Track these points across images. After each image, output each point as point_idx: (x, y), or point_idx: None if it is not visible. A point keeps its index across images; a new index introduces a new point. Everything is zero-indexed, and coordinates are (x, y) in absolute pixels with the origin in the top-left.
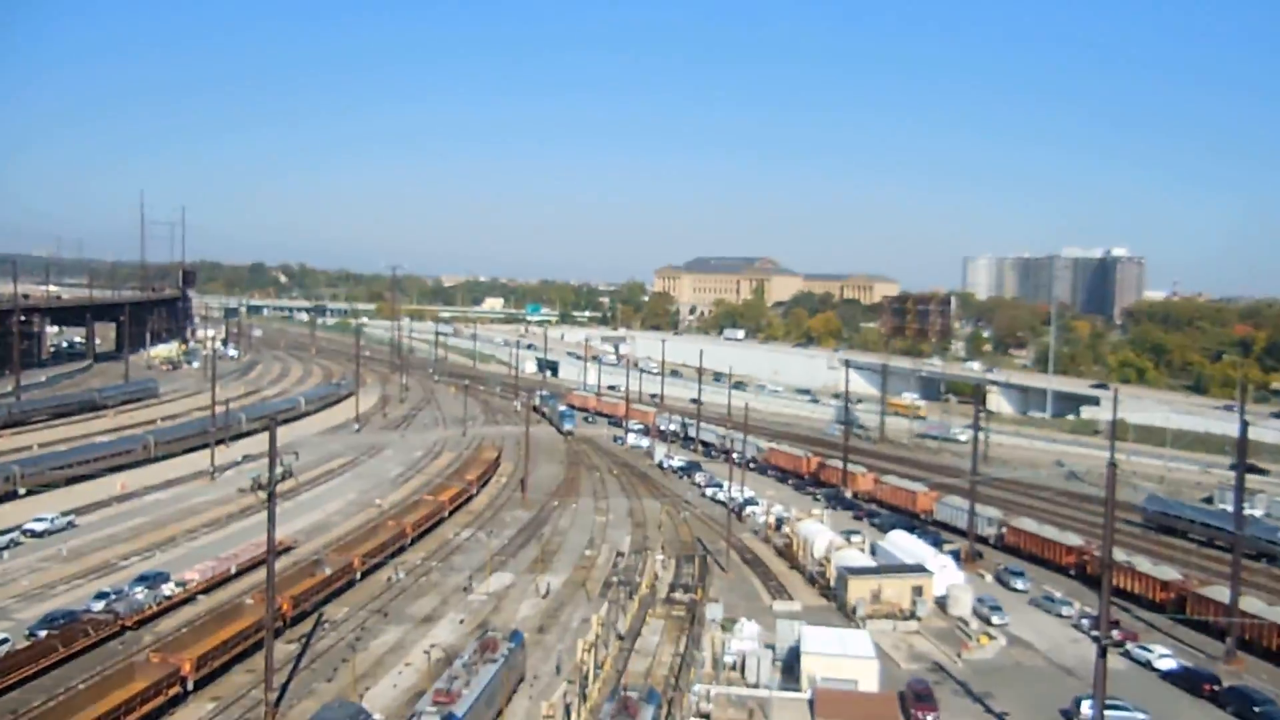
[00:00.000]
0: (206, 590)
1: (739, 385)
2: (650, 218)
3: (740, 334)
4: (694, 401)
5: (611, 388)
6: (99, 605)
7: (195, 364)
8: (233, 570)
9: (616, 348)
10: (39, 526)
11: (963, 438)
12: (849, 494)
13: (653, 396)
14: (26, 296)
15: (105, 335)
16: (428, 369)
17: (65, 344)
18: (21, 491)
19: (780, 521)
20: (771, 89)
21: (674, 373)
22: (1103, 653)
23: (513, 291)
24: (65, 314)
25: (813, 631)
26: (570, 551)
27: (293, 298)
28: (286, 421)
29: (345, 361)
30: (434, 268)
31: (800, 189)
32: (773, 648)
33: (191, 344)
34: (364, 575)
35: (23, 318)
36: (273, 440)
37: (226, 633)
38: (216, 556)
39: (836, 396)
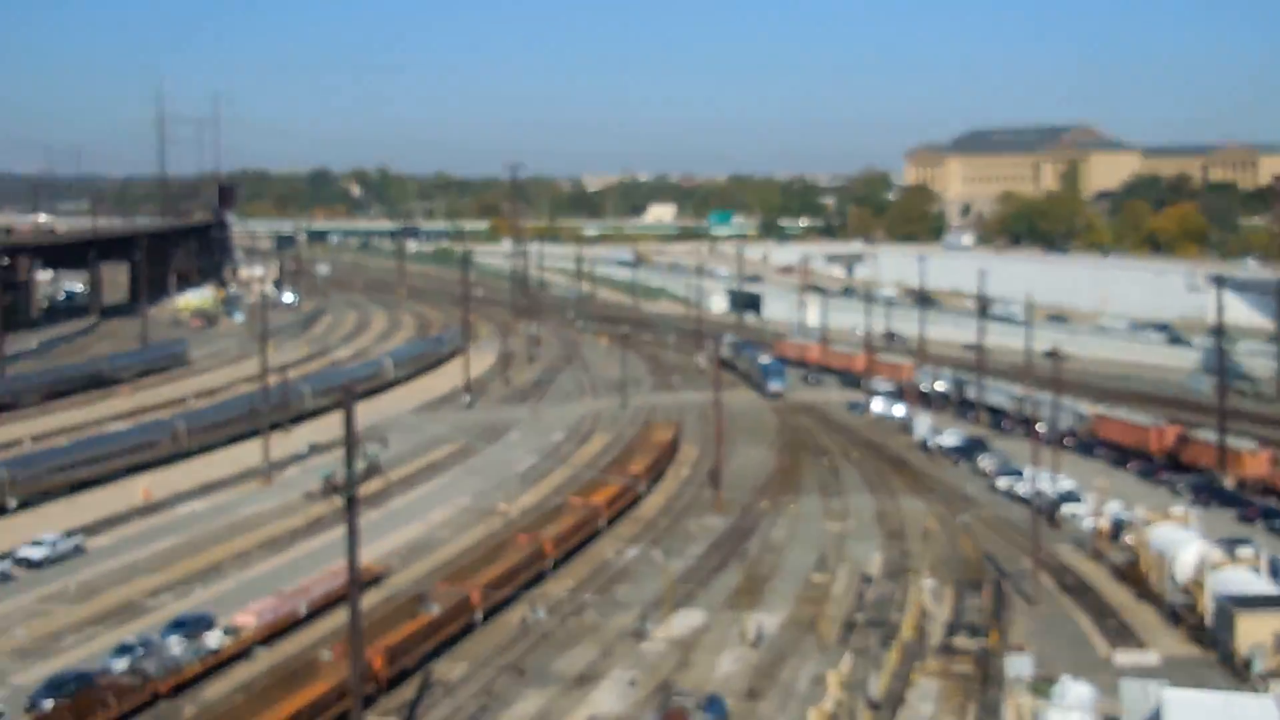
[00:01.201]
0: (266, 640)
1: (1056, 320)
2: (895, 77)
3: (967, 242)
4: (972, 348)
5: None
6: (121, 663)
7: (238, 316)
8: (302, 611)
9: (850, 269)
10: (36, 553)
11: None
12: (1230, 482)
13: (891, 338)
14: (9, 231)
15: (115, 280)
16: (567, 312)
17: (62, 295)
18: (11, 504)
19: (1119, 527)
20: None
21: (933, 303)
22: None
23: (689, 194)
24: (61, 254)
25: (1181, 699)
26: (790, 577)
27: (371, 217)
28: (369, 395)
29: (449, 305)
30: (572, 167)
31: (1134, 18)
32: None
33: (232, 289)
34: (487, 616)
35: (4, 261)
36: (350, 422)
37: (296, 702)
38: (278, 592)
39: (1206, 333)
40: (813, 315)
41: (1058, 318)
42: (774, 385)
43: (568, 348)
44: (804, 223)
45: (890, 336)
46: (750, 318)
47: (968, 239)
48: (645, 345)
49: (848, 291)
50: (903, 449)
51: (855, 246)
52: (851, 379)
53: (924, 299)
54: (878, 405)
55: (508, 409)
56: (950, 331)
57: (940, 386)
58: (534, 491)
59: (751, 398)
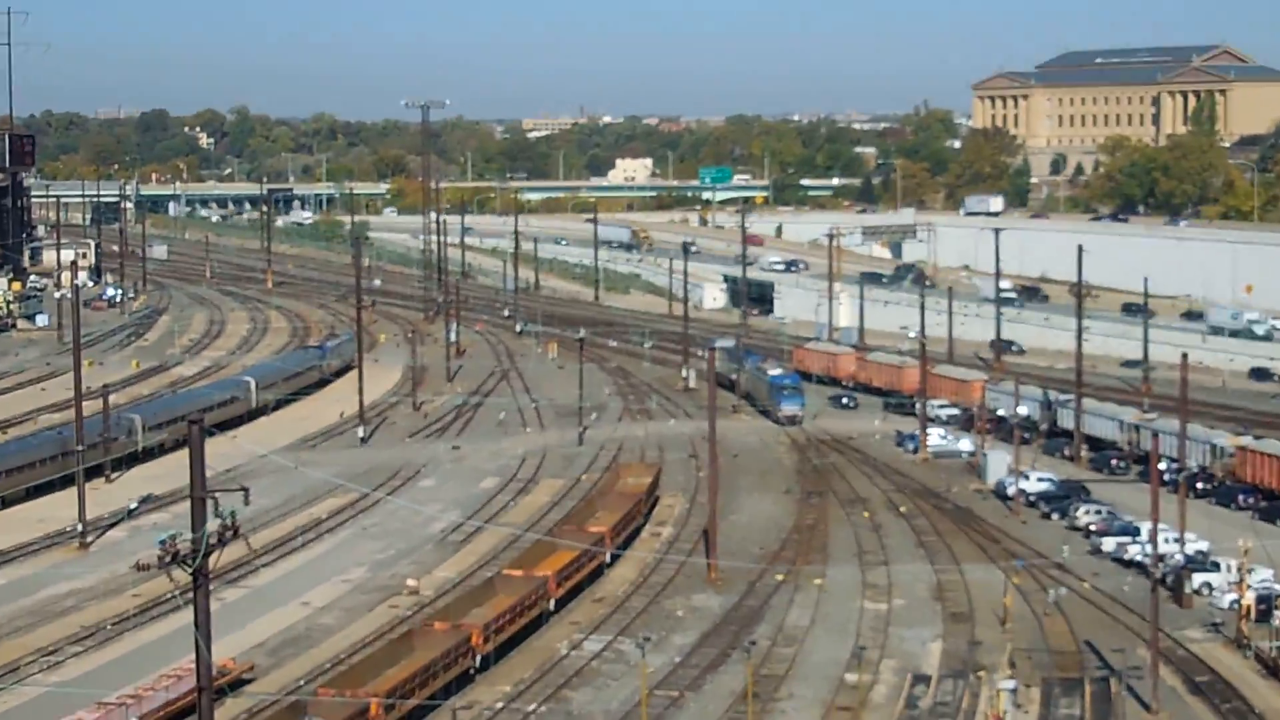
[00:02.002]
0: None
1: (1190, 316)
2: None
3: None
4: (1132, 364)
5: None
6: None
7: (41, 319)
8: None
9: (898, 247)
10: None
11: None
12: None
13: (1000, 349)
14: None
15: None
16: (503, 308)
17: None
18: None
19: (1269, 604)
20: None
21: (1027, 291)
22: None
23: (671, 144)
24: None
25: None
26: (813, 678)
27: (226, 178)
28: (224, 427)
29: (335, 301)
30: (508, 108)
31: None
32: None
33: (32, 280)
34: None
35: None
36: (198, 466)
37: None
38: (99, 704)
39: None
40: (846, 313)
41: (1193, 314)
42: (789, 408)
43: (503, 359)
44: (835, 181)
45: (1000, 347)
46: (758, 317)
47: (996, 202)
48: (612, 355)
49: (898, 277)
50: (971, 498)
51: (905, 215)
52: (899, 399)
53: (1029, 292)
54: (935, 436)
55: (418, 446)
56: (1042, 336)
57: (1024, 410)
58: (456, 561)
59: (759, 427)
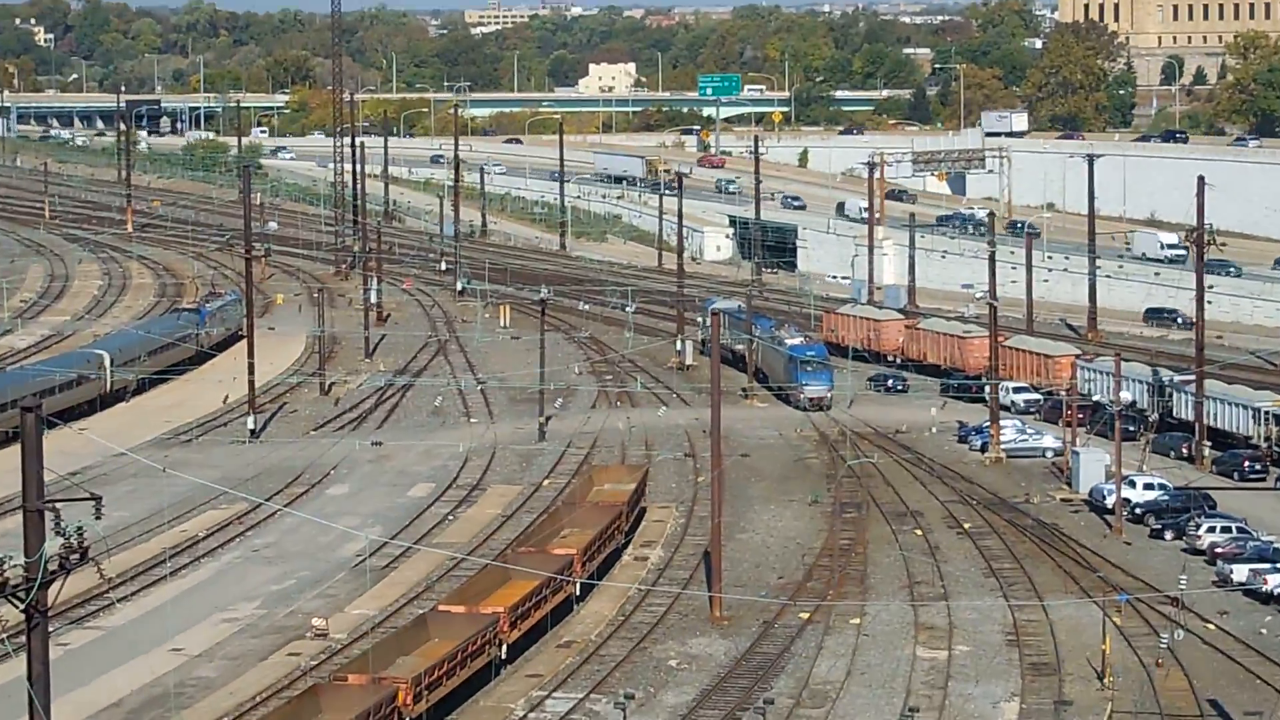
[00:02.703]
0: None
1: None
2: None
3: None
4: (1176, 321)
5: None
6: None
7: None
8: None
9: (960, 180)
10: None
11: None
12: None
13: (1166, 320)
14: None
15: None
16: (439, 260)
17: None
18: None
19: None
20: None
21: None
22: None
23: (660, 44)
24: None
25: None
26: None
27: (68, 85)
28: (70, 415)
29: (219, 251)
30: None
31: None
32: None
33: None
34: None
35: None
36: (32, 467)
37: None
38: None
39: None
40: (892, 269)
41: None
42: (813, 388)
43: (440, 328)
44: (884, 92)
45: (1164, 316)
46: (777, 274)
47: (1018, 120)
48: (584, 322)
49: (958, 220)
50: (1058, 511)
51: (969, 139)
52: (964, 383)
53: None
54: (1010, 428)
55: (327, 441)
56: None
57: (1128, 395)
58: (377, 594)
59: (777, 416)
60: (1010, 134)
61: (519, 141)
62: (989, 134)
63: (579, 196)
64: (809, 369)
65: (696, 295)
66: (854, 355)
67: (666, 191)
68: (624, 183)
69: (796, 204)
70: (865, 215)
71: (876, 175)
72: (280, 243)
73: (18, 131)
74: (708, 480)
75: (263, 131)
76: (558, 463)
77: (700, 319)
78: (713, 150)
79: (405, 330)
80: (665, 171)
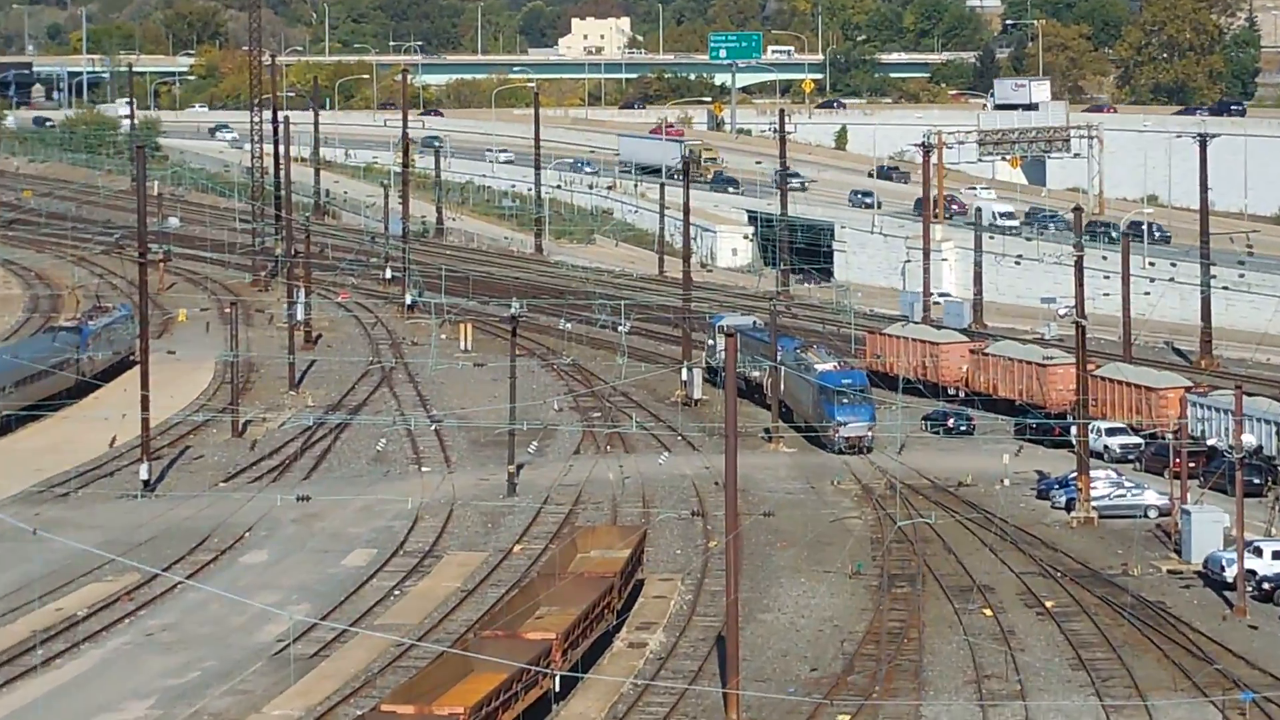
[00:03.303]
0: None
1: None
2: None
3: None
4: None
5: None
6: None
7: None
8: None
9: (1039, 167)
10: None
11: None
12: None
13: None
14: None
15: None
16: (384, 266)
17: None
18: None
19: None
20: None
21: None
22: None
23: None
24: None
25: None
26: None
27: None
28: None
29: (106, 254)
30: None
31: None
32: None
33: None
34: None
35: None
36: None
37: None
38: None
39: None
40: (954, 275)
41: None
42: (850, 425)
43: (383, 352)
44: (932, 58)
45: None
46: (817, 283)
47: (1039, 89)
48: (565, 344)
49: (1036, 219)
50: (1164, 585)
51: (1050, 113)
52: (1044, 422)
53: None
54: (1102, 481)
55: (242, 495)
56: None
57: (1250, 439)
58: (303, 689)
59: (808, 464)
60: (1026, 106)
61: (439, 113)
62: (1000, 106)
63: (559, 186)
64: (844, 401)
65: (707, 311)
66: (905, 387)
67: (708, 187)
68: (624, 170)
69: (867, 201)
70: (999, 219)
71: (935, 160)
72: (183, 244)
73: None
74: (721, 546)
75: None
76: (532, 523)
77: (709, 340)
78: (726, 126)
79: (340, 355)
80: (712, 161)
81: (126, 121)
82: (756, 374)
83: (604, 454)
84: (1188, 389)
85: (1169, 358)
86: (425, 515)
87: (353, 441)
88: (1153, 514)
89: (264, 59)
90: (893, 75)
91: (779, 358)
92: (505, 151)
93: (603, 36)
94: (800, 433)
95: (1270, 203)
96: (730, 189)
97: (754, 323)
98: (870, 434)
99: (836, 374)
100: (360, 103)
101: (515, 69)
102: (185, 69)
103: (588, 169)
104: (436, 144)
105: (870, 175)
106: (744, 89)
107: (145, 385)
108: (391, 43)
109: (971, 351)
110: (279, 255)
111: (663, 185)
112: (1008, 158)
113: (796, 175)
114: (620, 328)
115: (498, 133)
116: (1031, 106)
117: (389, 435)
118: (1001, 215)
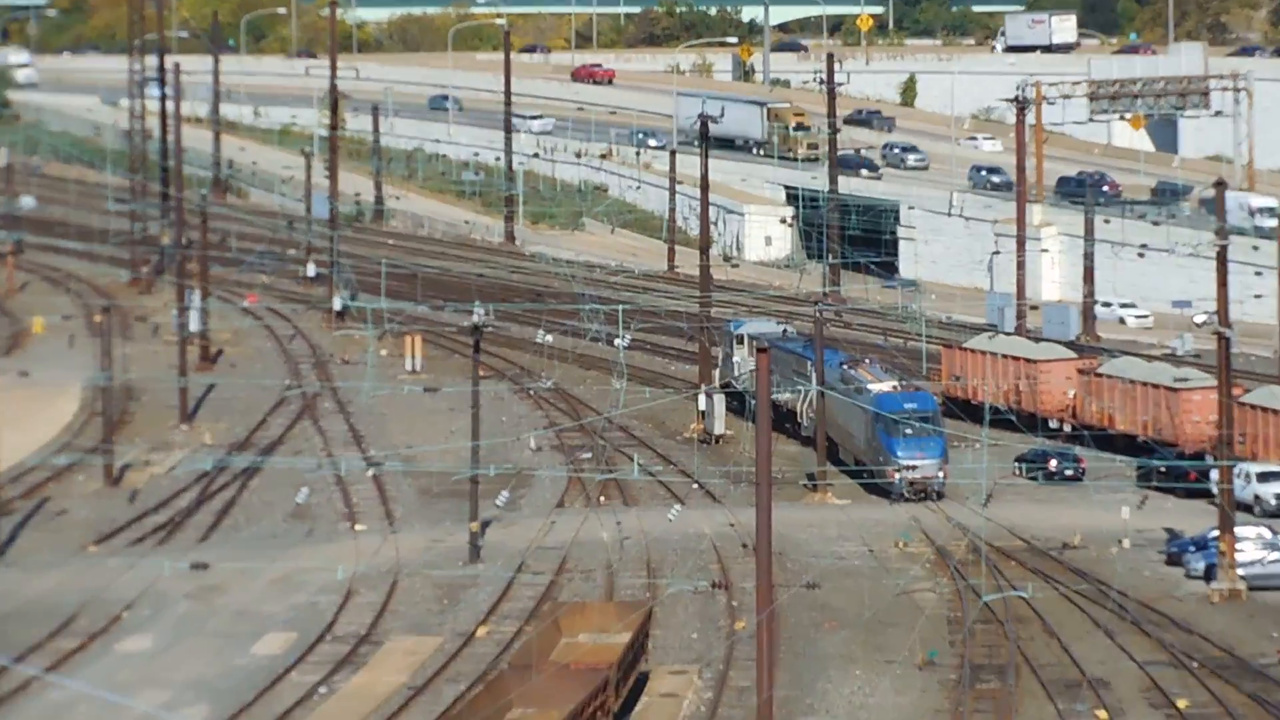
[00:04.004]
0: None
1: None
2: None
3: None
4: None
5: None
6: None
7: None
8: None
9: (1169, 128)
10: None
11: None
12: None
13: None
14: None
15: None
16: (305, 259)
17: None
18: None
19: None
20: None
21: None
22: None
23: None
24: None
25: None
26: None
27: None
28: None
29: None
30: None
31: None
32: None
33: None
34: None
35: None
36: None
37: None
38: None
39: None
40: (1057, 273)
41: None
42: (915, 463)
43: (304, 372)
44: None
45: None
46: (855, 283)
47: (1063, 26)
48: (544, 362)
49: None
50: None
51: (1183, 60)
52: (1175, 465)
53: None
54: (1256, 546)
55: (118, 563)
56: None
57: None
58: None
59: (863, 518)
60: (1047, 48)
61: (312, 55)
62: (1011, 48)
63: (536, 155)
64: (907, 432)
65: (731, 318)
66: (993, 418)
67: (798, 163)
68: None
69: (994, 180)
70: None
71: (1030, 120)
72: (40, 231)
73: None
74: (750, 628)
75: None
76: (501, 598)
77: (724, 351)
78: (757, 76)
79: (248, 377)
80: (805, 131)
81: None
82: (787, 397)
83: (596, 507)
84: None
85: None
86: (360, 588)
87: (265, 491)
88: None
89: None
90: (975, 9)
91: (833, 377)
92: (540, 117)
93: None
94: (852, 476)
95: None
96: (865, 171)
97: (785, 330)
98: (942, 475)
99: (896, 396)
100: (274, 45)
101: (479, 2)
102: (43, 2)
103: (652, 142)
104: (447, 104)
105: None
106: (780, 27)
107: None
108: None
109: (1081, 372)
110: (166, 246)
111: (673, 152)
112: (1128, 116)
113: (913, 149)
114: (617, 341)
115: (454, 84)
116: (1057, 48)
117: (312, 483)
118: (1261, 211)
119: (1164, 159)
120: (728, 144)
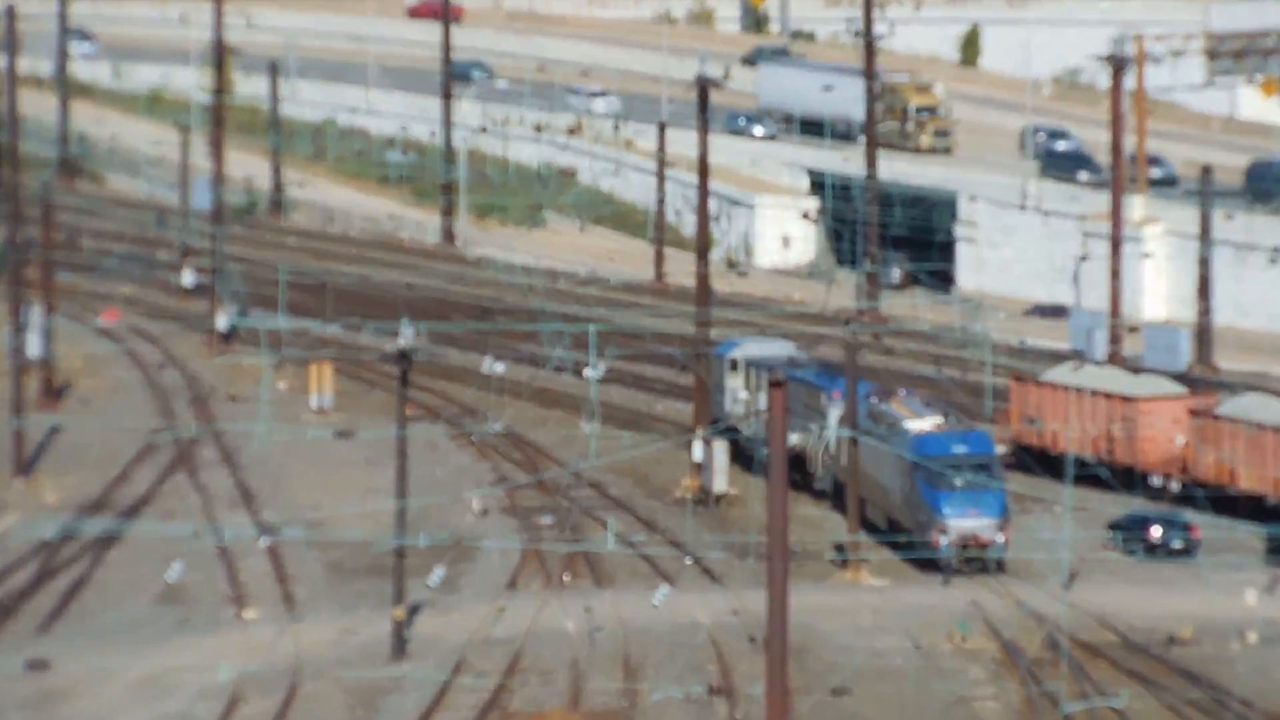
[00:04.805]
0: None
1: None
2: None
3: None
4: None
5: None
6: None
7: None
8: None
9: None
10: None
11: None
12: None
13: None
14: None
15: None
16: (182, 262)
17: None
18: None
19: None
20: None
21: None
22: None
23: None
24: None
25: None
26: None
27: None
28: None
29: None
30: None
31: None
32: None
33: None
34: None
35: None
36: None
37: None
38: None
39: None
40: (1162, 286)
41: None
42: (965, 522)
43: (178, 410)
44: None
45: None
46: (899, 297)
47: None
48: (493, 400)
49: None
50: None
51: None
52: None
53: None
54: None
55: None
56: None
57: None
58: None
59: (906, 603)
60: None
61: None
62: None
63: (484, 129)
64: (956, 483)
65: (736, 344)
66: (1079, 473)
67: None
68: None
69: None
70: None
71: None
72: None
73: None
74: None
75: None
76: (433, 707)
77: (716, 381)
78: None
79: (106, 416)
80: (930, 113)
81: None
82: (795, 439)
83: (559, 588)
84: None
85: None
86: (249, 694)
87: (126, 566)
88: None
89: None
90: None
91: (867, 416)
92: (605, 93)
93: None
94: (892, 547)
95: None
96: (1086, 172)
97: (790, 356)
98: (1002, 538)
99: (941, 437)
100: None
101: None
102: None
103: (758, 129)
104: (477, 73)
105: None
106: None
107: None
108: None
109: (1193, 413)
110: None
111: (662, 126)
112: (1258, 79)
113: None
114: (588, 372)
115: (375, 35)
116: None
117: (187, 556)
118: None
119: None
120: (814, 129)
